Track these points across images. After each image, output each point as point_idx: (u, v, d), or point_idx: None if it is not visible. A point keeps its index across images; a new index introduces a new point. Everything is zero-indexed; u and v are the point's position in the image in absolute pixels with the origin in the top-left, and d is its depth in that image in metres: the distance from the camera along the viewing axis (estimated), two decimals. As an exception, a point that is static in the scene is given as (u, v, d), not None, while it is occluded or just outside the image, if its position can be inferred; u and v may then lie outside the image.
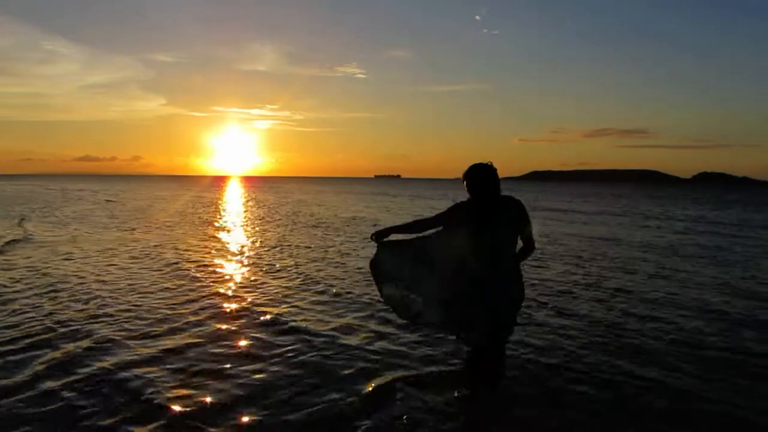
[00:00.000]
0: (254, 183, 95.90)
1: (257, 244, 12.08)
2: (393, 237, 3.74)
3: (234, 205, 28.37)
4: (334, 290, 7.18)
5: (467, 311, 3.44)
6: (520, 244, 3.52)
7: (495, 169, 3.37)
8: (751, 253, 11.73)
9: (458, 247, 3.43)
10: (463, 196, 3.55)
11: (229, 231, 15.09)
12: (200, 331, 5.30)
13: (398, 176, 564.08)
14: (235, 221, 18.53)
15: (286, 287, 7.41)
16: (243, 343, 4.97)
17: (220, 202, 31.86)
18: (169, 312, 5.97)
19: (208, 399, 3.76)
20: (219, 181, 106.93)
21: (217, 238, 13.29)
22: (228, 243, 12.30)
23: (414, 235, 3.69)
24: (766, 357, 4.71)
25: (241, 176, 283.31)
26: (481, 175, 3.35)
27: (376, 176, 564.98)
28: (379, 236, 3.70)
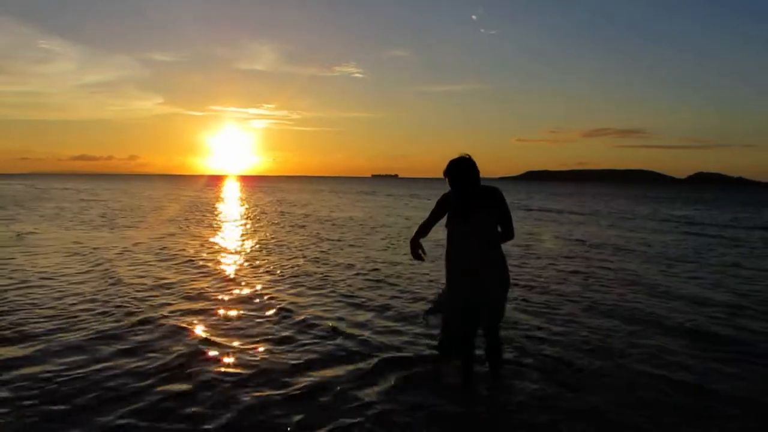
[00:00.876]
0: (250, 182, 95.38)
1: (204, 247, 11.43)
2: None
3: (215, 206, 27.41)
4: (266, 298, 6.64)
5: (466, 309, 3.57)
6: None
7: (473, 162, 3.47)
8: (734, 254, 11.53)
9: (448, 237, 3.63)
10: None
11: (189, 231, 14.54)
12: (91, 329, 5.15)
13: (396, 176, 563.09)
14: (204, 222, 17.84)
15: (207, 289, 7.10)
16: (128, 344, 4.75)
17: (204, 201, 31.35)
18: (72, 311, 5.81)
19: (80, 399, 3.64)
20: (215, 181, 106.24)
21: (169, 237, 12.90)
22: (176, 245, 11.57)
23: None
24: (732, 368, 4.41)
25: (239, 175, 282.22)
26: (458, 169, 3.47)
27: (373, 175, 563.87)
28: (414, 252, 3.75)
